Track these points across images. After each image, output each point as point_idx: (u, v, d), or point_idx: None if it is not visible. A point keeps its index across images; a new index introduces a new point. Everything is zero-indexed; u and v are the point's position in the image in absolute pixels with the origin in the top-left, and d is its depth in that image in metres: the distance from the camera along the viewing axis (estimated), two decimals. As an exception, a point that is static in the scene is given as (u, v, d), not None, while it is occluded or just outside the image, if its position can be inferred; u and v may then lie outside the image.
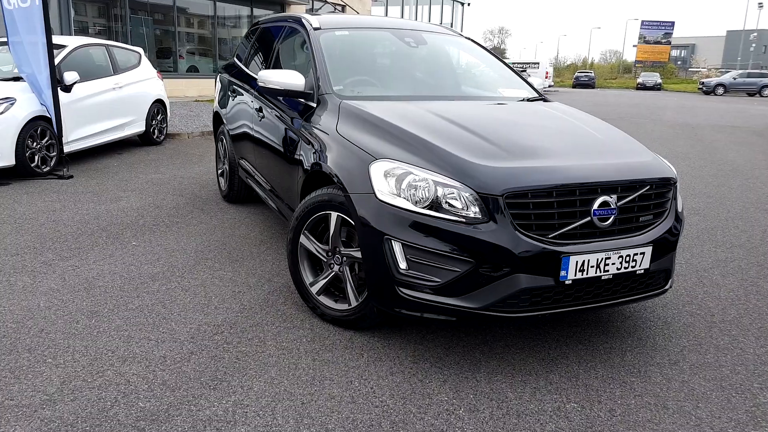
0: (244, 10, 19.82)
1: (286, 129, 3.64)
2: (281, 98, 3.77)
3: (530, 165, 2.58)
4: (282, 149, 3.68)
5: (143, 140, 8.51)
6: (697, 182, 7.41)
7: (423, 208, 2.51)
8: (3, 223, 4.56)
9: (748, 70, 44.15)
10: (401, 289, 2.56)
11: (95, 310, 3.09)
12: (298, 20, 4.10)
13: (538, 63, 38.67)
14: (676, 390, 2.56)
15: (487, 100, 3.67)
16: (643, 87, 46.75)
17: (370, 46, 3.94)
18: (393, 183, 2.59)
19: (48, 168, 6.21)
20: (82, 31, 14.75)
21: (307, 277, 3.09)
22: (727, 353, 2.91)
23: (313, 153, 3.15)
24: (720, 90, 38.72)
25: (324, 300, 3.03)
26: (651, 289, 2.78)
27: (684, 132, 13.61)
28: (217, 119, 5.57)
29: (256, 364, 2.62)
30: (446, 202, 2.50)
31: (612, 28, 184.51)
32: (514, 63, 39.05)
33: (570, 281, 2.50)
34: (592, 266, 2.52)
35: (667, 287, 2.87)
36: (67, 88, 6.50)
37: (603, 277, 2.56)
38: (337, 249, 2.93)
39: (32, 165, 6.02)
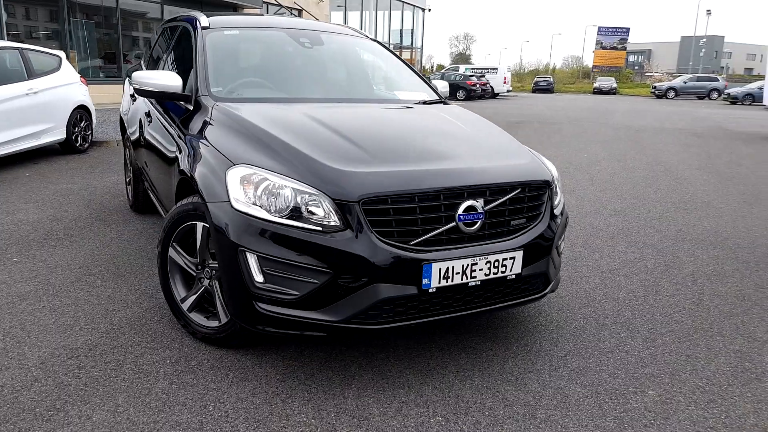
0: (195, 14, 19.38)
1: (166, 134, 3.45)
2: (165, 102, 3.58)
3: (393, 170, 2.45)
4: (164, 155, 3.48)
5: (65, 149, 8.15)
6: (626, 183, 7.46)
7: (283, 216, 2.36)
8: None
9: (698, 74, 45.49)
10: (259, 304, 2.40)
11: (-58, 334, 2.84)
12: (191, 19, 3.91)
13: (496, 68, 39.00)
14: (549, 398, 2.46)
15: (378, 102, 3.54)
16: (599, 91, 47.74)
17: (260, 46, 3.78)
18: (250, 190, 2.43)
19: (-54, 181, 5.85)
20: (17, 35, 14.15)
21: (179, 292, 2.90)
22: (611, 356, 2.84)
23: (186, 159, 2.97)
24: (671, 93, 39.75)
25: (195, 317, 2.84)
26: (527, 294, 2.69)
27: (627, 135, 13.83)
28: (123, 124, 5.33)
29: (104, 391, 2.41)
30: (307, 209, 2.36)
31: (573, 34, 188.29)
32: (473, 68, 39.35)
33: (434, 289, 2.38)
34: (458, 273, 2.40)
35: (546, 291, 2.78)
36: (-33, 96, 6.15)
37: (470, 284, 2.45)
38: (206, 262, 2.75)
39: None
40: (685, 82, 40.95)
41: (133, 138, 4.64)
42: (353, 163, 2.47)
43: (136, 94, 3.89)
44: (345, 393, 2.47)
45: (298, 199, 2.36)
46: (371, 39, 4.29)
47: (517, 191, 2.60)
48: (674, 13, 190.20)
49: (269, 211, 2.36)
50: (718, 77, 44.69)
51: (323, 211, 2.35)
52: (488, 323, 3.16)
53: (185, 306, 2.86)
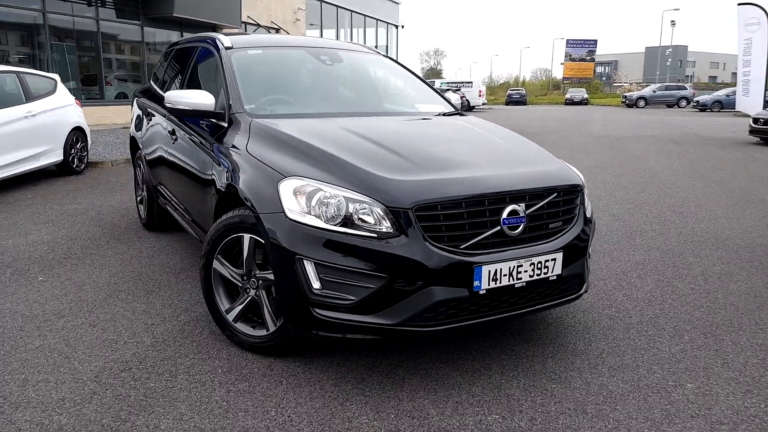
0: (174, 35, 19.39)
1: (198, 151, 3.52)
2: (193, 119, 3.65)
3: (439, 177, 2.57)
4: (195, 172, 3.54)
5: (62, 170, 8.11)
6: (618, 190, 7.70)
7: (335, 225, 2.45)
8: None
9: (666, 83, 46.83)
10: (316, 309, 2.48)
11: (-11, 353, 2.84)
12: (212, 40, 3.99)
13: (471, 82, 39.59)
14: (595, 393, 2.58)
15: (402, 115, 3.67)
16: (571, 102, 48.72)
17: (285, 64, 3.88)
18: (303, 201, 2.52)
19: (-50, 204, 5.79)
20: (1, 59, 14.00)
21: (223, 303, 2.96)
22: (644, 353, 2.97)
23: (225, 174, 3.05)
24: (641, 102, 40.82)
25: (241, 327, 2.90)
26: (566, 295, 2.81)
27: (608, 143, 14.20)
28: (134, 144, 5.37)
29: (165, 401, 2.46)
30: (358, 218, 2.45)
31: (541, 47, 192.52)
32: (449, 82, 39.89)
33: (484, 291, 2.48)
34: (505, 275, 2.52)
35: (581, 292, 2.90)
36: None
37: (516, 285, 2.56)
38: (252, 272, 2.82)
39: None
40: (654, 91, 42.09)
41: (151, 157, 4.68)
42: (401, 172, 2.57)
43: (167, 113, 3.96)
44: (399, 395, 2.55)
45: (350, 208, 2.45)
46: (383, 55, 4.42)
47: (553, 195, 2.73)
48: (639, 25, 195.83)
49: (323, 220, 2.46)
50: (686, 86, 46.06)
51: (374, 219, 2.44)
52: (520, 326, 3.27)
53: (231, 317, 2.92)
